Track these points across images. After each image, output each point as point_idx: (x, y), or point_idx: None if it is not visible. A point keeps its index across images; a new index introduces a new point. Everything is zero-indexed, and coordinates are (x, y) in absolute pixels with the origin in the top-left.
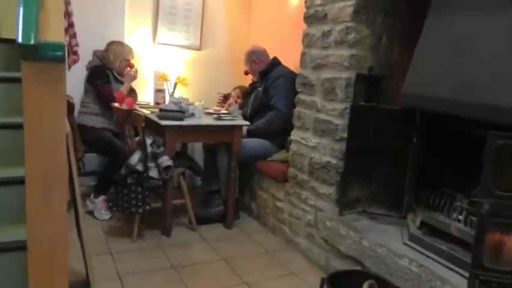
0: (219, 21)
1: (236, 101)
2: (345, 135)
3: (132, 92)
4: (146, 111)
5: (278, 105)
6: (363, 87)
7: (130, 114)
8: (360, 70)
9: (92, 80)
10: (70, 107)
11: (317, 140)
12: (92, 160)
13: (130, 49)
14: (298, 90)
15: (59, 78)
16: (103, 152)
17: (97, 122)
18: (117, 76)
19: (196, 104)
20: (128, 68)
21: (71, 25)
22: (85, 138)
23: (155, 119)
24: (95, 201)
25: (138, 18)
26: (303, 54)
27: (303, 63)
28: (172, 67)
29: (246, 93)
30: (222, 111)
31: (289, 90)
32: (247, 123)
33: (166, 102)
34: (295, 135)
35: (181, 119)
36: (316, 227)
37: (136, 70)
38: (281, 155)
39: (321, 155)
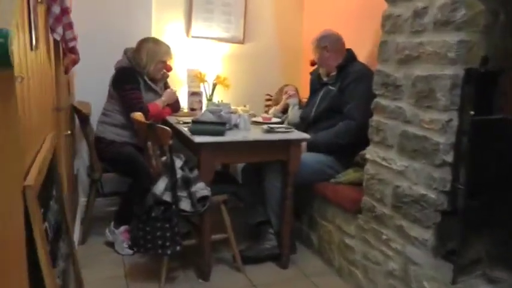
0: (265, 8)
1: (291, 95)
2: (449, 158)
3: (174, 104)
4: (178, 121)
5: (355, 113)
6: (473, 89)
7: (153, 129)
8: (469, 63)
9: (118, 84)
10: (85, 117)
11: (405, 162)
12: (113, 178)
13: (168, 48)
14: (377, 92)
15: (4, 92)
16: (123, 172)
17: (118, 135)
18: (150, 83)
19: (240, 111)
20: (165, 71)
21: (64, 11)
22: (103, 154)
23: (187, 133)
24: (115, 231)
25: (168, 7)
26: (383, 43)
27: (382, 55)
28: (210, 65)
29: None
30: (274, 120)
31: (369, 96)
32: (308, 136)
33: (203, 109)
34: (372, 153)
35: (221, 134)
36: (403, 280)
37: (175, 91)
38: (349, 175)
39: (412, 184)
